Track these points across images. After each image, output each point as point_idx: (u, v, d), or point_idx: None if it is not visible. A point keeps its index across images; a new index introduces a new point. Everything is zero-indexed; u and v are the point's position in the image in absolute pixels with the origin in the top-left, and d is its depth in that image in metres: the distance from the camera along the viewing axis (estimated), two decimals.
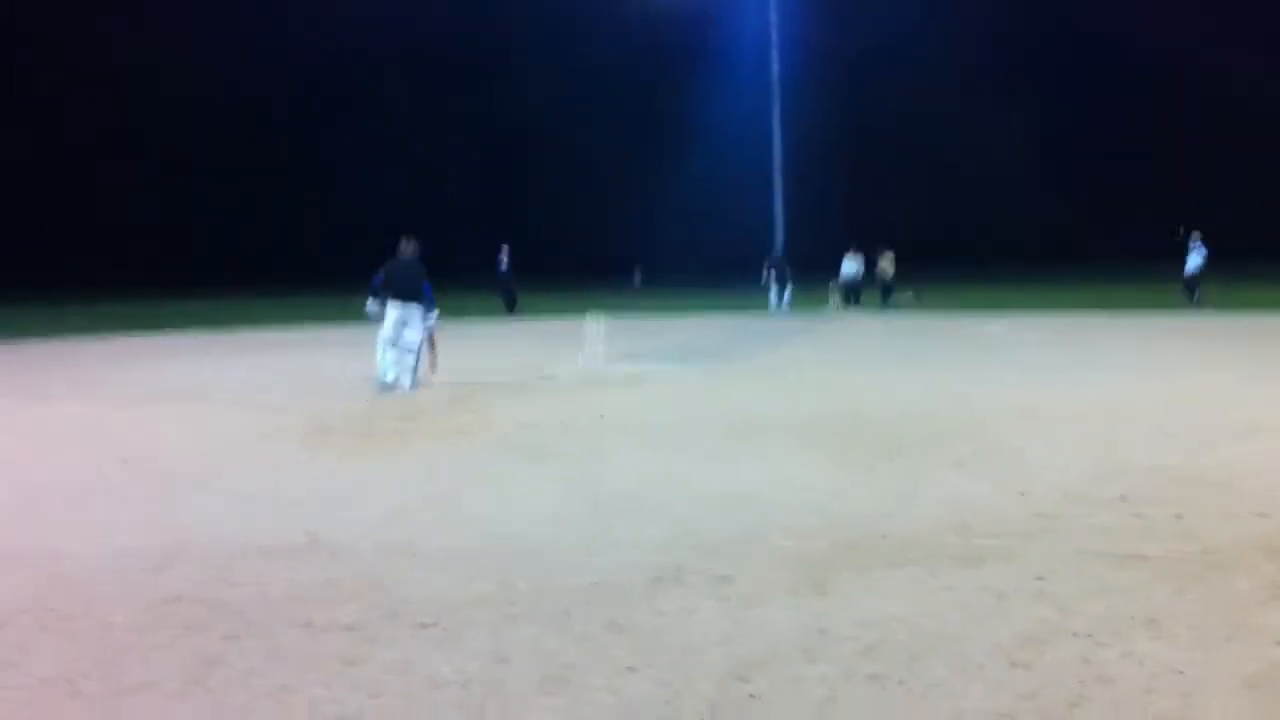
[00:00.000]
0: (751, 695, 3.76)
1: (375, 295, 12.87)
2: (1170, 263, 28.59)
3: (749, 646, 4.19)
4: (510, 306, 29.43)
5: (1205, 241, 26.51)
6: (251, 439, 9.47)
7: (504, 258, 29.41)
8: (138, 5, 66.46)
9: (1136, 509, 6.25)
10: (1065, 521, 6.01)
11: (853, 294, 31.22)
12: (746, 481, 7.30)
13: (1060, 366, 14.23)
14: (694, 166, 60.63)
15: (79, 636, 4.44)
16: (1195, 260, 26.50)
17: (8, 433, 10.10)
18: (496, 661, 4.08)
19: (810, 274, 33.36)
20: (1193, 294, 26.34)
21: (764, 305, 30.47)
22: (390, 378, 12.42)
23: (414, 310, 12.53)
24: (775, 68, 35.13)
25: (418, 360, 12.54)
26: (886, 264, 31.80)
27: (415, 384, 12.49)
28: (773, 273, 30.92)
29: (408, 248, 12.90)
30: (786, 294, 30.70)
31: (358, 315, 13.20)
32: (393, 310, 12.52)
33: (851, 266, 31.56)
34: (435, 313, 12.95)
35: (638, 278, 54.10)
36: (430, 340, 12.92)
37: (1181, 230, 27.58)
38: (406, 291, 12.57)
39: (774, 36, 34.95)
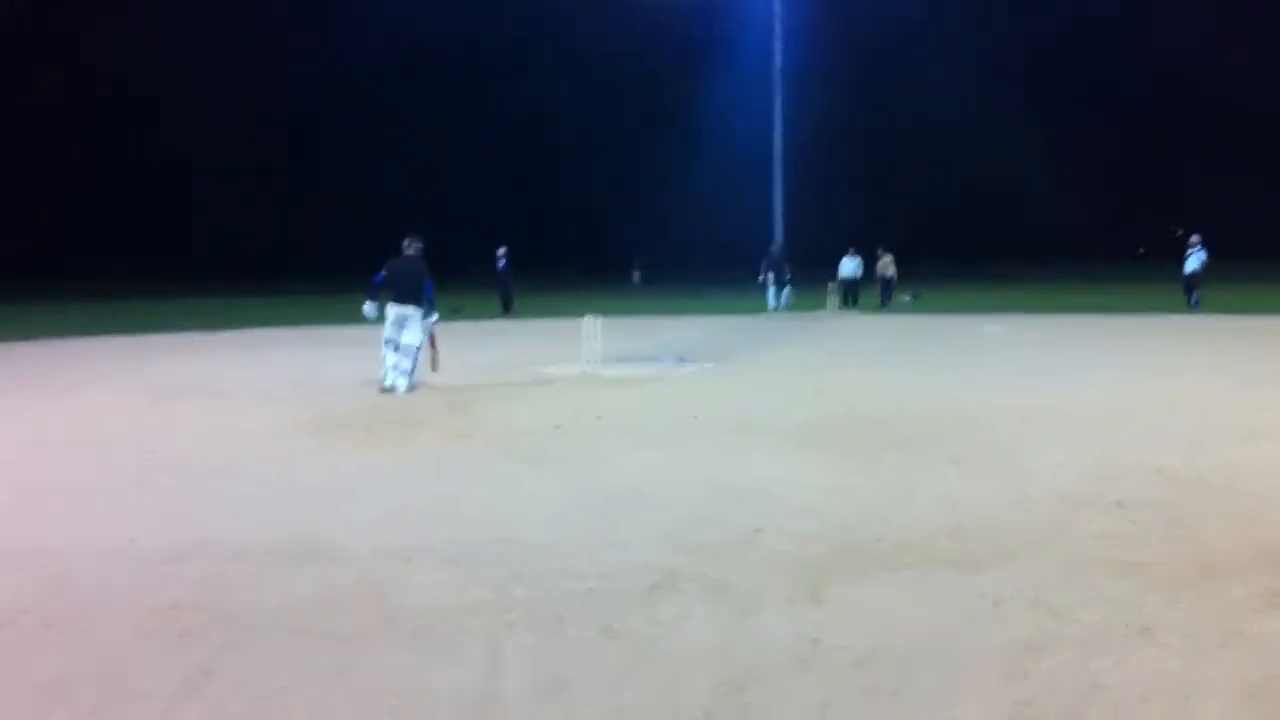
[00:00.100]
0: (746, 704, 3.76)
1: (373, 296, 12.81)
2: (1171, 263, 28.65)
3: (744, 655, 4.19)
4: (506, 306, 29.57)
5: (1205, 244, 26.54)
6: (249, 440, 9.46)
7: (502, 258, 29.70)
8: (138, 6, 66.55)
9: (1133, 514, 6.25)
10: (1061, 527, 6.01)
11: (851, 294, 31.24)
12: (744, 483, 7.30)
13: (1058, 367, 14.23)
14: (694, 165, 60.71)
15: (76, 640, 4.44)
16: (1194, 262, 26.52)
17: (11, 430, 10.09)
18: (492, 669, 4.08)
19: (809, 273, 33.39)
20: (1191, 295, 26.36)
21: (762, 305, 30.49)
22: (389, 382, 12.39)
23: (412, 311, 12.49)
24: (777, 70, 35.11)
25: (415, 362, 12.50)
26: (886, 265, 31.85)
27: (413, 386, 12.46)
28: (771, 273, 30.95)
29: (411, 246, 12.84)
30: (785, 293, 30.74)
31: (359, 314, 13.17)
32: (391, 310, 12.50)
33: (850, 266, 31.60)
34: (435, 315, 12.89)
35: (637, 276, 54.12)
36: (431, 339, 12.88)
37: (1180, 231, 27.62)
38: (406, 292, 12.49)
39: (776, 36, 34.92)
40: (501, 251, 29.69)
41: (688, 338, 20.24)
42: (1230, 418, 9.78)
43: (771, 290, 30.65)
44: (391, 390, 12.29)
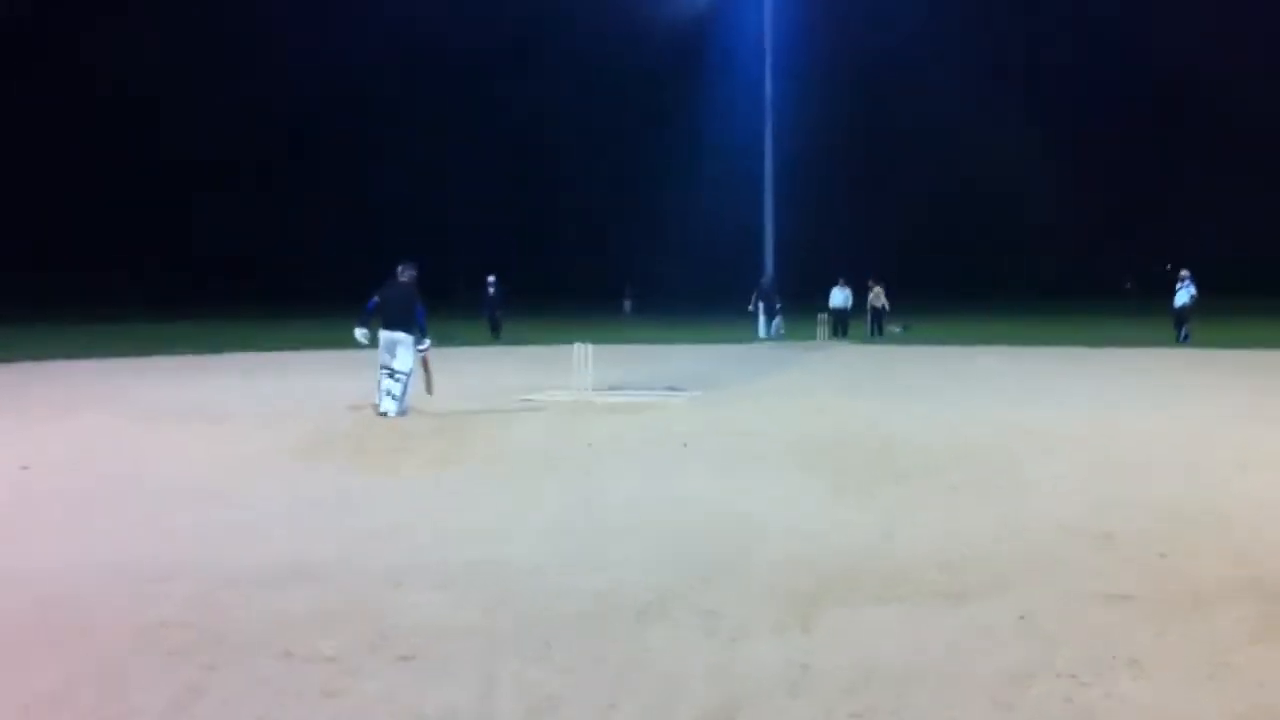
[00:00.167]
0: None
1: (364, 322, 12.85)
2: (1160, 297, 28.83)
3: (734, 680, 4.19)
4: (495, 331, 29.86)
5: (1194, 279, 26.73)
6: (240, 462, 9.45)
7: (491, 285, 30.42)
8: (141, 6, 66.73)
9: (1123, 546, 6.27)
10: (1052, 557, 6.03)
11: (841, 324, 31.33)
12: (734, 511, 7.31)
13: (1049, 399, 14.28)
14: (685, 194, 60.91)
15: (63, 661, 4.42)
16: (1184, 296, 26.70)
17: (7, 453, 10.03)
18: (480, 693, 4.06)
19: (800, 304, 33.50)
20: (1181, 329, 26.51)
21: (752, 334, 30.56)
22: (383, 407, 12.41)
23: (403, 337, 12.50)
24: (769, 93, 35.30)
25: (405, 387, 12.50)
26: (877, 296, 32.00)
27: (404, 410, 12.46)
28: (761, 303, 31.08)
29: (404, 273, 12.90)
30: (776, 323, 30.85)
31: (352, 339, 13.19)
32: (382, 336, 12.53)
33: (840, 297, 31.73)
34: (428, 341, 12.90)
35: (628, 305, 54.17)
36: (425, 363, 12.89)
37: (1170, 266, 27.82)
38: (396, 318, 12.54)
39: (768, 62, 35.14)
40: (491, 280, 30.40)
41: (678, 366, 20.26)
42: (1220, 450, 9.84)
43: (762, 320, 30.77)
44: (385, 414, 12.31)
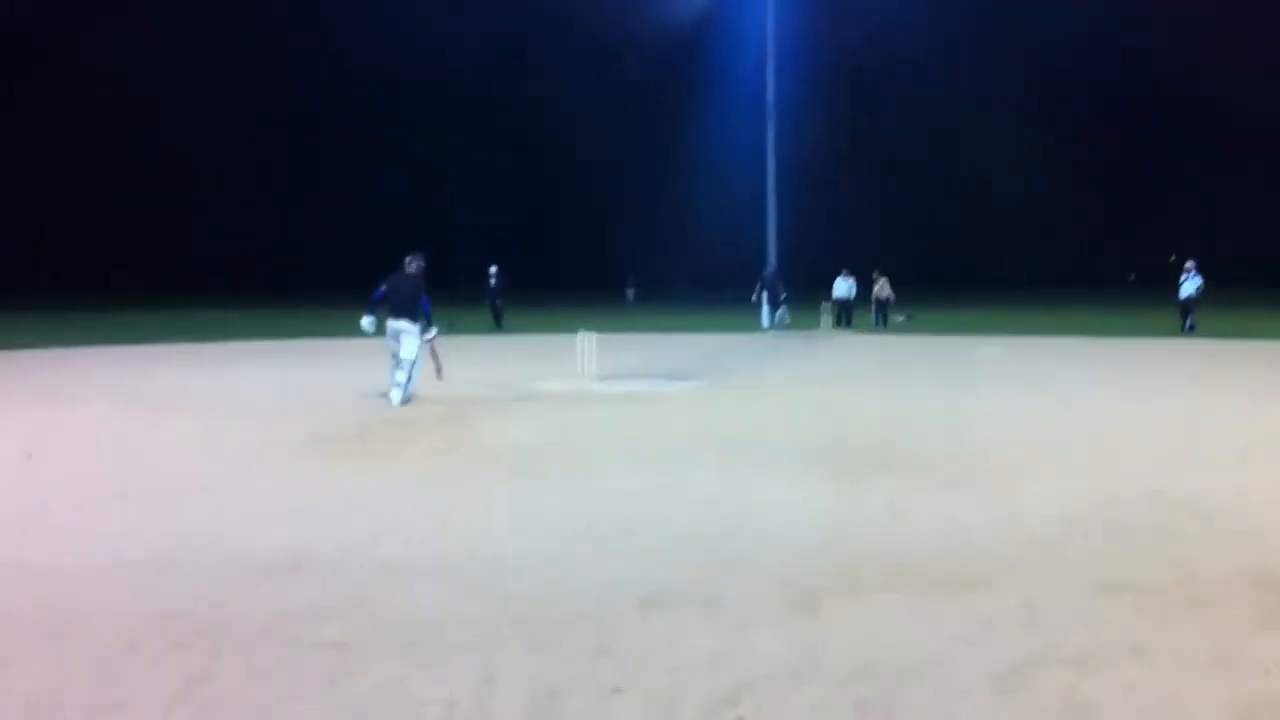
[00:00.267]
0: (739, 718, 3.76)
1: (371, 311, 13.00)
2: (1164, 288, 28.79)
3: (737, 669, 4.19)
4: (497, 322, 29.98)
5: (1200, 269, 26.68)
6: (244, 453, 9.45)
7: (493, 277, 30.61)
8: (141, 6, 66.67)
9: (1125, 536, 6.26)
10: (1054, 548, 6.02)
11: (845, 314, 31.32)
12: (738, 501, 7.31)
13: (1052, 389, 14.25)
14: (688, 183, 60.85)
15: (66, 650, 4.42)
16: (1190, 287, 26.65)
17: (6, 441, 10.04)
18: (483, 682, 4.07)
19: (804, 294, 33.48)
20: (1186, 320, 26.47)
21: (757, 323, 30.56)
22: (390, 396, 12.50)
23: (408, 326, 12.57)
24: (771, 85, 35.24)
25: (410, 376, 12.56)
26: (881, 287, 31.98)
27: (408, 399, 12.51)
28: (765, 293, 31.09)
29: (412, 264, 13.04)
30: (780, 312, 30.87)
31: (357, 328, 13.24)
32: (389, 325, 12.66)
33: (843, 287, 31.71)
34: (435, 330, 12.97)
35: (631, 294, 54.17)
36: (433, 350, 12.97)
37: (1174, 257, 27.76)
38: (401, 307, 12.67)
39: (770, 52, 35.05)
40: (493, 270, 30.65)
41: (682, 355, 20.26)
42: (1224, 441, 9.82)
43: (766, 309, 30.80)
44: (392, 402, 12.40)
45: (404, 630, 4.64)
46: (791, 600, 5.05)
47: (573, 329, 15.50)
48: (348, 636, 4.56)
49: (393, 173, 68.76)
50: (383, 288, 12.83)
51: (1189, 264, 26.90)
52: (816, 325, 30.53)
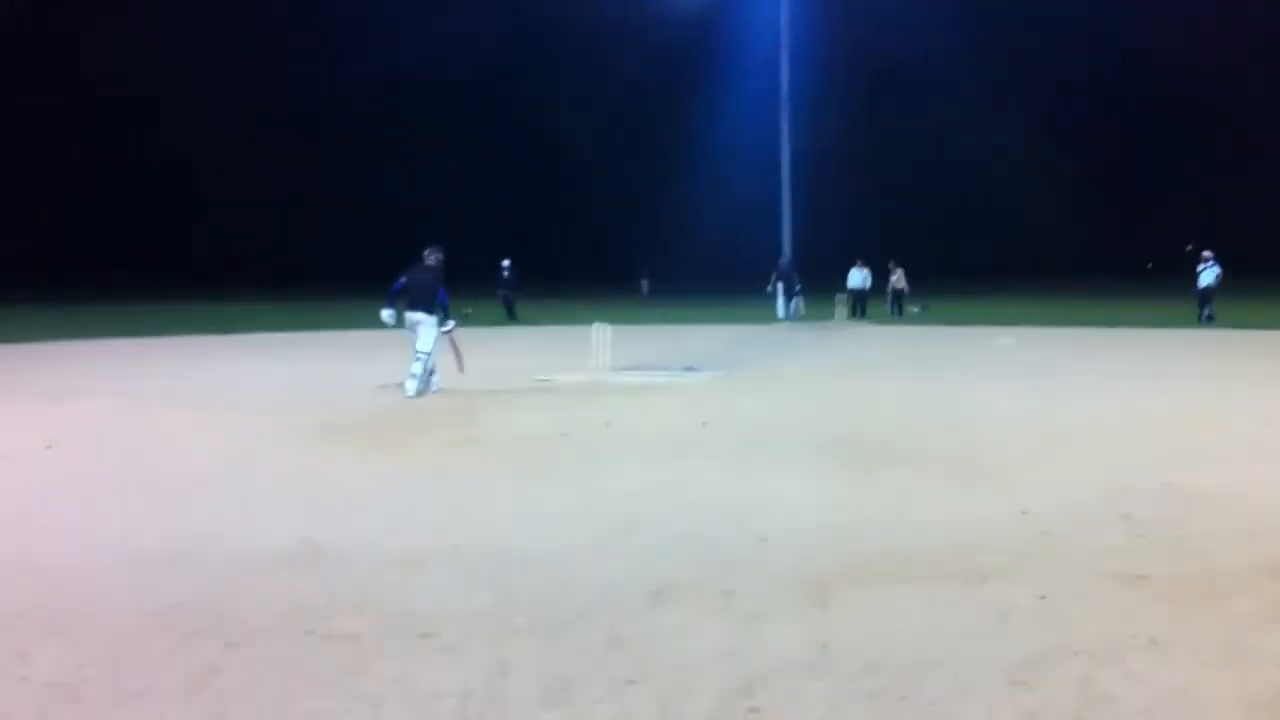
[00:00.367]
0: (752, 710, 3.75)
1: (391, 303, 13.06)
2: (1182, 278, 28.61)
3: (750, 661, 4.18)
4: (510, 313, 30.04)
5: (1217, 259, 26.52)
6: (255, 445, 9.48)
7: (506, 269, 30.81)
8: (141, 6, 66.83)
9: (1140, 527, 6.23)
10: (1068, 540, 6.00)
11: (860, 304, 31.28)
12: (751, 492, 7.30)
13: (1067, 380, 14.20)
14: (703, 174, 60.67)
15: (81, 642, 4.44)
16: (1209, 277, 26.50)
17: (17, 436, 10.10)
18: (496, 674, 4.07)
19: (819, 284, 33.42)
20: (1204, 310, 26.32)
21: (772, 314, 30.53)
22: (406, 387, 12.56)
23: (424, 318, 12.62)
24: (785, 75, 35.14)
25: (425, 367, 12.59)
26: (898, 279, 31.97)
27: (422, 390, 12.53)
28: (780, 284, 31.06)
29: (431, 256, 13.10)
30: (795, 303, 30.84)
31: (368, 319, 13.30)
32: (406, 317, 12.76)
33: (858, 277, 31.67)
34: (452, 322, 13.05)
35: (645, 285, 54.09)
36: (452, 342, 13.04)
37: (1191, 247, 27.58)
38: (418, 299, 12.75)
39: (784, 43, 34.95)
40: (505, 264, 30.83)
41: (696, 346, 20.23)
42: (1240, 432, 9.76)
43: (781, 300, 30.77)
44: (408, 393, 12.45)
45: (417, 622, 4.65)
46: (805, 592, 5.04)
47: (587, 321, 15.49)
48: (361, 628, 4.57)
49: (393, 173, 68.79)
50: (402, 280, 12.88)
51: (1206, 253, 26.74)
52: (831, 316, 30.47)
